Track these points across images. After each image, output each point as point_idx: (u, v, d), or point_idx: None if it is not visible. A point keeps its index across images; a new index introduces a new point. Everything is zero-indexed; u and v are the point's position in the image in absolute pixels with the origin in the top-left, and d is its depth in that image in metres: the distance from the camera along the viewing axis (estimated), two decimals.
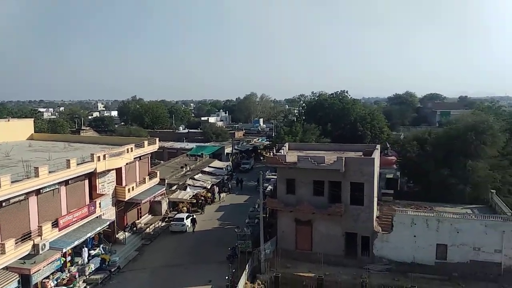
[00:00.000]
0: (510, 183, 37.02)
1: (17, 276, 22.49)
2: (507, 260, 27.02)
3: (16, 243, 22.75)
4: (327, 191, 29.93)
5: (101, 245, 31.51)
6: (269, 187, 43.93)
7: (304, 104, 76.21)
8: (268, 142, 77.15)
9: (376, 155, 32.37)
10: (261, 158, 74.54)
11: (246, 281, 27.48)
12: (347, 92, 69.23)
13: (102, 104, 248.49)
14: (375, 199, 30.60)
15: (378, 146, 36.20)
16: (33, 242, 23.89)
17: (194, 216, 39.32)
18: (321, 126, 57.75)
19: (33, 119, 54.41)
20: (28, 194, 24.38)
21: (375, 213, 30.93)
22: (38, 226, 24.82)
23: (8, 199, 22.78)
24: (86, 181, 30.75)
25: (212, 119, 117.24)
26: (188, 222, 38.24)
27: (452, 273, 27.48)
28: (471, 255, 27.49)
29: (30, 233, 24.40)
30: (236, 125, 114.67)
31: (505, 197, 34.19)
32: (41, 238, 24.39)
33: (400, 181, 42.81)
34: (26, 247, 23.49)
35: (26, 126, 46.62)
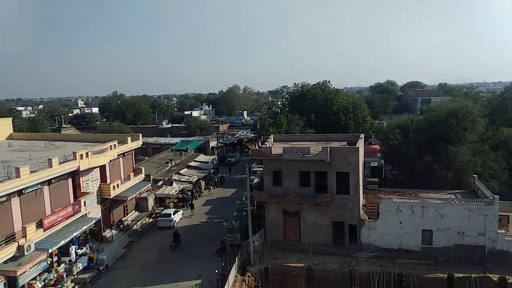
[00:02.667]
0: (491, 167, 37.84)
1: (3, 278, 22.15)
2: (490, 243, 27.71)
3: (0, 245, 22.26)
4: (313, 181, 30.13)
5: (88, 244, 31.11)
6: (256, 180, 44.00)
7: (287, 96, 76.17)
8: (253, 135, 77.25)
9: (360, 144, 32.68)
10: (247, 150, 74.65)
11: (236, 274, 27.57)
12: (329, 82, 69.42)
13: (82, 100, 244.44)
14: (361, 188, 30.98)
15: (362, 135, 36.55)
16: (18, 243, 23.48)
17: (192, 202, 42.72)
18: (305, 117, 57.93)
19: (11, 118, 53.02)
20: (10, 195, 23.87)
21: (361, 201, 31.31)
22: (22, 227, 24.36)
23: None
24: (70, 180, 30.26)
25: (195, 113, 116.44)
26: (176, 217, 38.15)
27: (438, 258, 28.07)
28: (456, 239, 28.12)
29: (14, 234, 23.91)
30: (220, 118, 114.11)
31: (487, 181, 34.97)
32: (25, 239, 23.97)
33: (384, 169, 43.35)
34: (11, 249, 23.06)
35: (4, 126, 45.38)
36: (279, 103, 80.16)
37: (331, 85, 69.26)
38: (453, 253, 28.07)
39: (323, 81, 69.36)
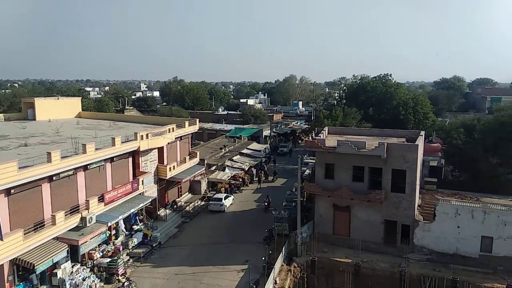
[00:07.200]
0: None
1: (66, 246, 23.80)
2: None
3: (65, 215, 24.04)
4: (367, 177, 29.32)
5: (136, 218, 32.51)
6: (307, 171, 43.69)
7: (345, 87, 74.37)
8: (307, 126, 76.57)
9: (420, 141, 31.22)
10: (299, 141, 74.24)
11: (283, 263, 27.73)
12: (390, 75, 66.91)
13: (144, 84, 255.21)
14: (417, 187, 29.73)
15: (423, 133, 34.91)
16: (81, 215, 25.16)
17: (260, 178, 47.69)
18: (362, 110, 56.36)
19: (80, 98, 56.71)
20: (76, 169, 25.57)
21: (417, 201, 30.10)
22: (85, 200, 26.07)
23: (58, 174, 23.97)
24: (130, 159, 31.81)
25: (251, 101, 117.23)
26: (226, 202, 39.01)
27: (497, 267, 26.38)
28: None
29: (78, 206, 25.66)
30: (275, 108, 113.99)
31: None
32: (88, 212, 25.64)
33: (444, 169, 41.22)
34: (75, 220, 24.78)
35: (74, 105, 48.70)
36: (336, 94, 78.51)
37: (392, 78, 66.76)
38: None
39: (384, 74, 67.04)
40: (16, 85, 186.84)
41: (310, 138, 32.83)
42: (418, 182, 29.58)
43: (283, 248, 28.44)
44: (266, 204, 38.91)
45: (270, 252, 28.34)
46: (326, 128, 36.69)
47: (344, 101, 64.86)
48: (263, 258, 26.85)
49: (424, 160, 36.61)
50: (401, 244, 28.76)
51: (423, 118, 58.26)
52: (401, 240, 28.88)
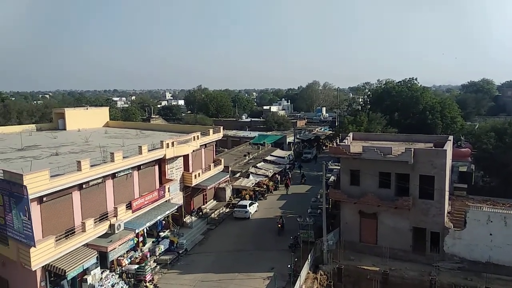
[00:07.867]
0: None
1: (96, 253, 24.33)
2: None
3: (95, 222, 24.63)
4: (394, 183, 28.78)
5: (161, 227, 32.90)
6: (332, 178, 43.25)
7: (369, 93, 73.51)
8: (331, 132, 75.93)
9: (448, 146, 30.50)
10: (324, 147, 73.67)
11: (309, 271, 27.47)
12: (416, 79, 65.80)
13: (169, 93, 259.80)
14: (447, 194, 28.94)
15: (451, 137, 34.06)
16: (110, 222, 25.73)
17: (288, 183, 48.17)
18: (387, 116, 55.52)
19: (108, 107, 58.17)
20: (105, 177, 26.18)
21: (446, 208, 29.31)
22: (114, 207, 26.61)
23: (88, 182, 24.60)
24: (156, 167, 32.30)
25: (274, 108, 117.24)
26: (251, 209, 39.05)
27: None
28: None
29: (107, 213, 26.26)
30: (298, 114, 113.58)
31: None
32: (116, 219, 26.18)
33: (474, 175, 40.06)
34: (104, 227, 25.37)
35: (102, 114, 49.99)
36: (360, 100, 77.67)
37: (418, 82, 65.64)
38: None
39: (410, 78, 65.99)
40: (47, 96, 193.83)
41: (335, 144, 32.51)
42: (447, 188, 28.80)
43: (309, 256, 28.18)
44: (279, 226, 34.73)
45: (296, 259, 28.10)
46: (350, 134, 36.34)
47: (369, 106, 64.16)
48: (289, 266, 26.67)
49: (453, 165, 35.75)
50: (430, 252, 28.04)
51: (451, 123, 56.93)
52: (430, 248, 28.15)
